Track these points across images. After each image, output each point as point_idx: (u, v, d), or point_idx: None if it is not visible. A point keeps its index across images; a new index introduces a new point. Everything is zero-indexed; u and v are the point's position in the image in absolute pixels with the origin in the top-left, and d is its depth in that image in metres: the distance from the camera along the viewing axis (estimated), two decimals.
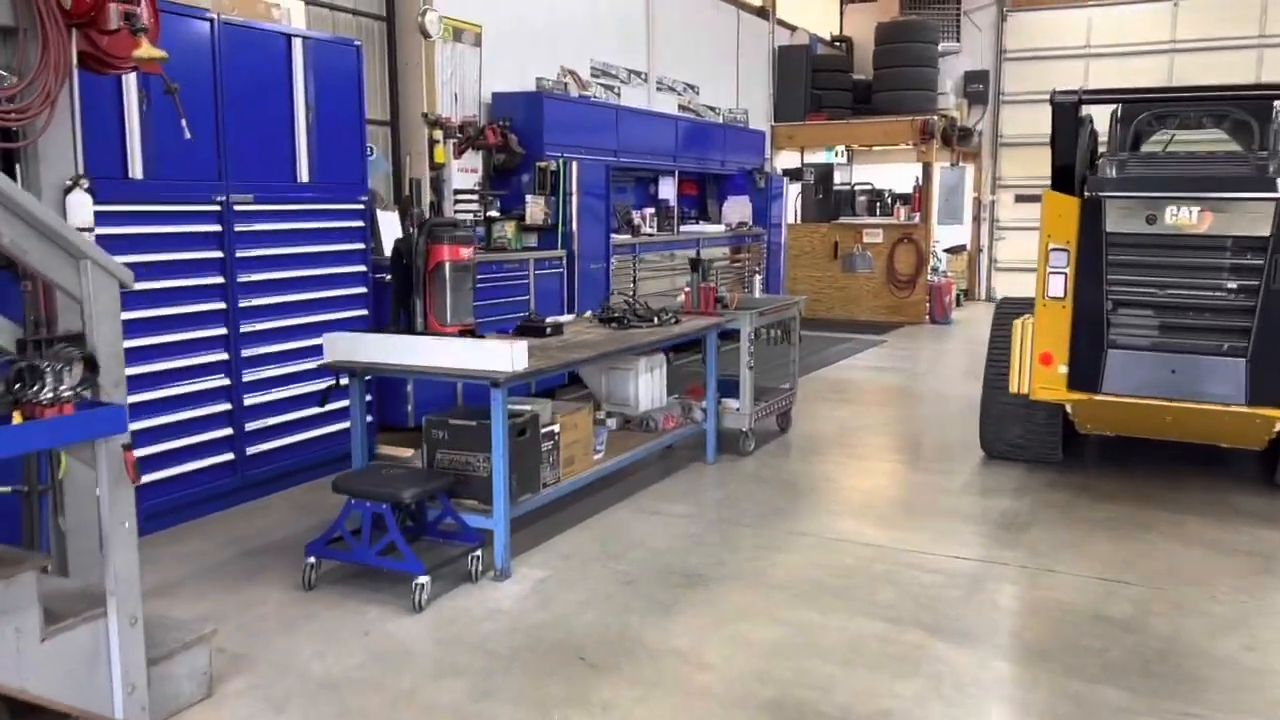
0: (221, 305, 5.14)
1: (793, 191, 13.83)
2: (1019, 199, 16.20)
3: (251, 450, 5.32)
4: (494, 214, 8.06)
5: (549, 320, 5.52)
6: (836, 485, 5.78)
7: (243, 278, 5.23)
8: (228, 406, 5.21)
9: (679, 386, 6.76)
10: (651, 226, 10.35)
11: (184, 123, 4.27)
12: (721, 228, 11.24)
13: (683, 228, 10.81)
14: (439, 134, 7.50)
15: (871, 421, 7.54)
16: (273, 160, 5.42)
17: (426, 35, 7.43)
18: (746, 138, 12.16)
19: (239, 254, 5.20)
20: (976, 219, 16.23)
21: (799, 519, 5.12)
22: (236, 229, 5.18)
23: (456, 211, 7.67)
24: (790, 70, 14.14)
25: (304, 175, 5.58)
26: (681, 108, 11.03)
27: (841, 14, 16.72)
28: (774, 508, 5.30)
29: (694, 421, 6.06)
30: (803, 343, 7.58)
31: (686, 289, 6.40)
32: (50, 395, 2.60)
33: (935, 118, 13.34)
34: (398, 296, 4.64)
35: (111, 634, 2.88)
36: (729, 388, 6.44)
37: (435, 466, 4.44)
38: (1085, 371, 5.33)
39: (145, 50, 3.48)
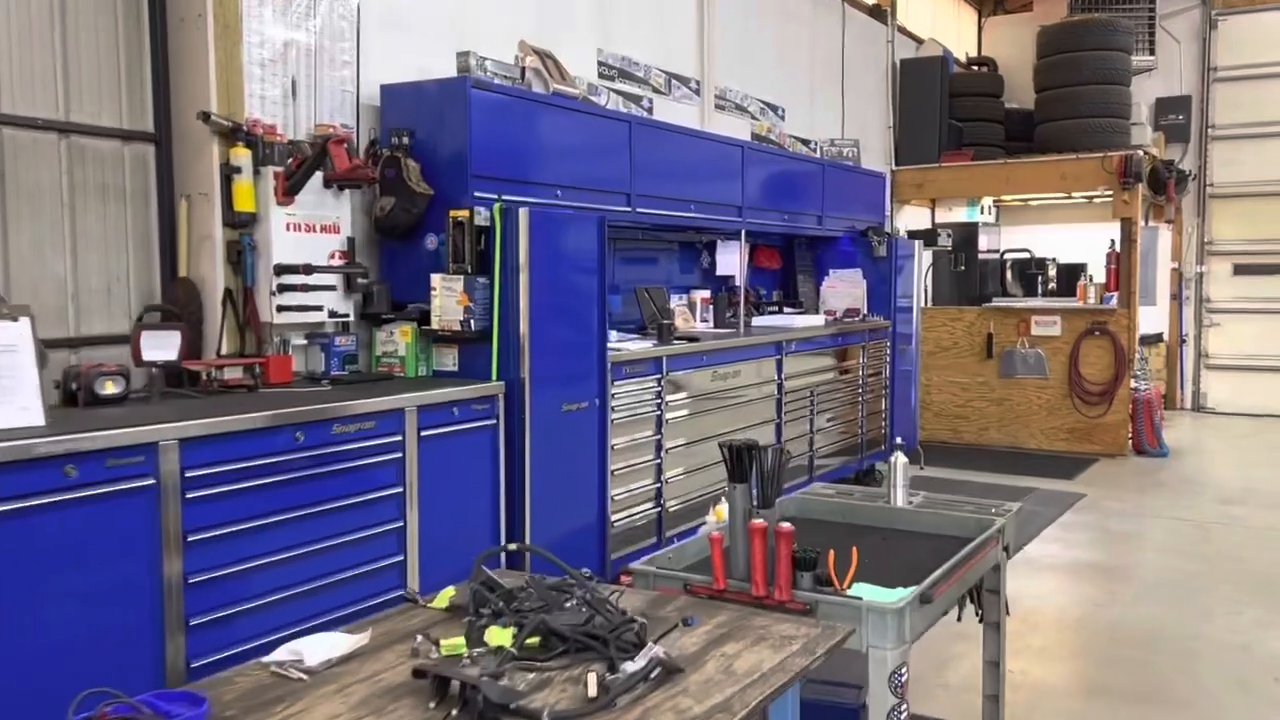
0: None
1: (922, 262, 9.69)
2: (1239, 270, 11.73)
3: None
4: (381, 310, 4.25)
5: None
6: None
7: None
8: None
9: None
10: (705, 319, 6.41)
11: None
12: (820, 319, 7.19)
13: (757, 320, 6.83)
14: (241, 154, 3.74)
15: None
16: None
17: None
18: (857, 183, 8.13)
19: None
20: (1177, 298, 11.78)
21: None
22: None
23: (281, 309, 3.86)
24: (918, 93, 10.10)
25: None
26: (756, 136, 7.16)
27: (980, 29, 12.70)
28: None
29: None
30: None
31: (717, 526, 2.39)
32: None
33: (1140, 154, 9.11)
34: None
35: None
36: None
37: None
38: None
39: None
